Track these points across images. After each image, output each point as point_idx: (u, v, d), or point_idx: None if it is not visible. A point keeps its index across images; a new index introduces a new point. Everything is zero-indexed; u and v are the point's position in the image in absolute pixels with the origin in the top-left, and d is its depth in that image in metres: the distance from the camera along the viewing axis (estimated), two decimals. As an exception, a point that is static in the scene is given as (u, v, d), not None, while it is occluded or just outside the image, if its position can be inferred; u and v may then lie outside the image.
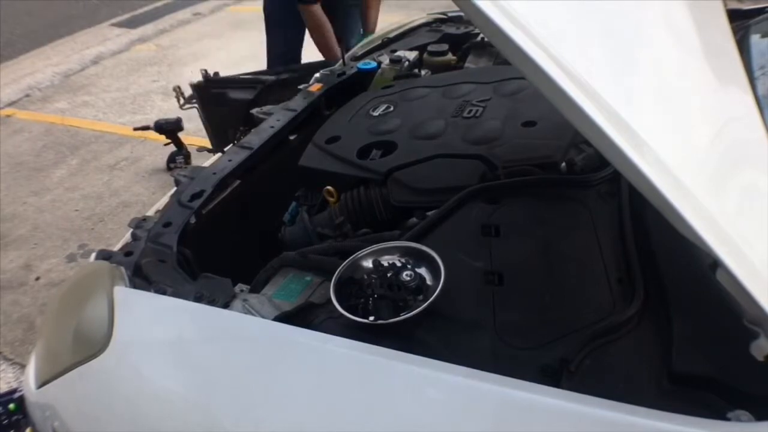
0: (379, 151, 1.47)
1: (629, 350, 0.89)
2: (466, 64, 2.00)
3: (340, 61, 2.08)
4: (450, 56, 2.02)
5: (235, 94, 2.21)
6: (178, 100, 2.60)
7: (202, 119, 2.53)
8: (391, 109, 1.62)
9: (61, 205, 3.25)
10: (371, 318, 0.97)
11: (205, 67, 2.46)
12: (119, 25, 5.69)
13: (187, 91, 2.53)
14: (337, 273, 1.04)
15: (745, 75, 1.10)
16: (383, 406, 0.84)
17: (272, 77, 2.19)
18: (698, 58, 1.05)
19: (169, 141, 3.25)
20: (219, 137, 2.35)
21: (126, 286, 1.11)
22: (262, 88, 2.12)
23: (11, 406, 2.02)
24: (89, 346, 1.02)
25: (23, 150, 3.85)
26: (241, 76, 2.33)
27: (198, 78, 2.40)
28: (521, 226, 1.16)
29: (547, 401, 0.77)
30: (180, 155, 3.28)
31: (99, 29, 5.82)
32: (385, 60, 2.00)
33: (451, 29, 2.20)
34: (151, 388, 0.98)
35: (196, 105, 2.48)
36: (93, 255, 1.26)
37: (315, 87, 1.88)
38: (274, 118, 1.71)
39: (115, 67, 5.00)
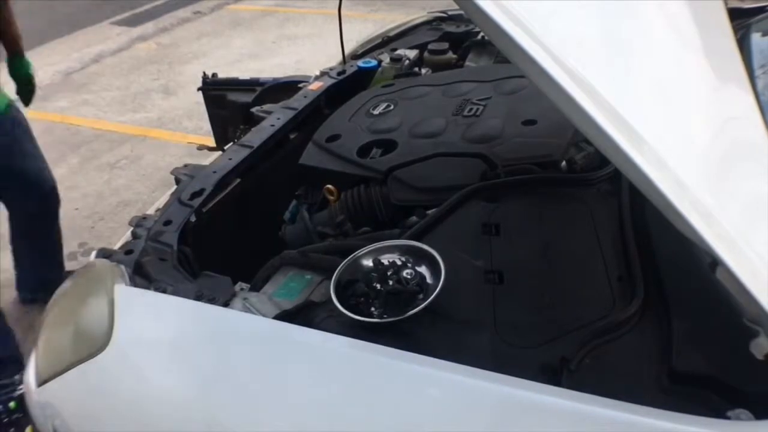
0: (379, 149, 1.46)
1: (629, 349, 0.89)
2: (467, 63, 2.00)
3: (340, 60, 2.08)
4: (450, 55, 2.01)
5: (234, 97, 2.21)
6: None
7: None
8: (391, 107, 1.62)
9: (62, 204, 3.25)
10: (371, 316, 0.97)
11: (205, 65, 2.46)
12: (120, 23, 5.68)
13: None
14: (337, 272, 1.04)
15: (745, 74, 1.10)
16: (384, 404, 0.84)
17: (270, 79, 2.19)
18: (698, 56, 1.05)
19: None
20: (221, 137, 2.34)
21: (126, 285, 1.10)
22: (261, 91, 2.12)
23: (12, 404, 2.03)
24: (90, 344, 1.02)
25: (23, 148, 3.84)
26: (239, 78, 2.32)
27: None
28: (521, 225, 1.17)
29: (547, 400, 0.77)
30: None
31: (99, 28, 5.80)
32: (386, 58, 1.99)
33: (451, 28, 2.19)
34: (151, 386, 0.99)
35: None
36: (93, 253, 1.26)
37: (315, 86, 1.88)
38: (274, 117, 1.71)
39: (116, 66, 4.99)
